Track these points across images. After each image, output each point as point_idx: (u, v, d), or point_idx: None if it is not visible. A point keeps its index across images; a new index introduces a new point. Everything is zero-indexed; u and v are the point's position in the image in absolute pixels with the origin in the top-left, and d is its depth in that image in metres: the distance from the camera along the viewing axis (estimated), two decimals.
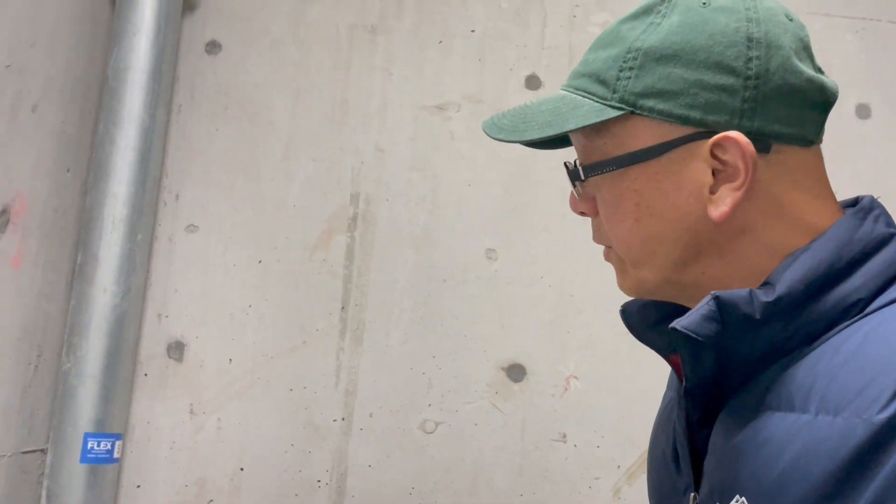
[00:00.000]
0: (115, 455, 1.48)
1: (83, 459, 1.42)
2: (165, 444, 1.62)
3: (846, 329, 0.47)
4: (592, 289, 1.68)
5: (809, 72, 0.51)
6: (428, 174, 1.72)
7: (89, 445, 1.43)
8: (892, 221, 0.53)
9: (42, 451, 1.53)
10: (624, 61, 0.52)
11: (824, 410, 0.44)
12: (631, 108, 0.51)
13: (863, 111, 1.77)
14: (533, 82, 1.76)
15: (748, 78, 0.49)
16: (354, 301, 1.69)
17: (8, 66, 1.33)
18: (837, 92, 0.53)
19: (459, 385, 1.65)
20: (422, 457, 1.63)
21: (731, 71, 0.49)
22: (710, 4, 0.51)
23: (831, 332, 0.48)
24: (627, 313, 0.60)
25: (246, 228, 1.71)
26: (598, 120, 0.52)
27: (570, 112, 0.53)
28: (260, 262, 1.69)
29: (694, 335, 0.47)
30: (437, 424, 1.64)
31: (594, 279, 1.67)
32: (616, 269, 0.58)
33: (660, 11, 0.53)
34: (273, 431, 1.63)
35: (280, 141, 1.73)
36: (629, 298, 0.60)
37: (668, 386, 0.67)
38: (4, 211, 1.34)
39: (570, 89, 0.56)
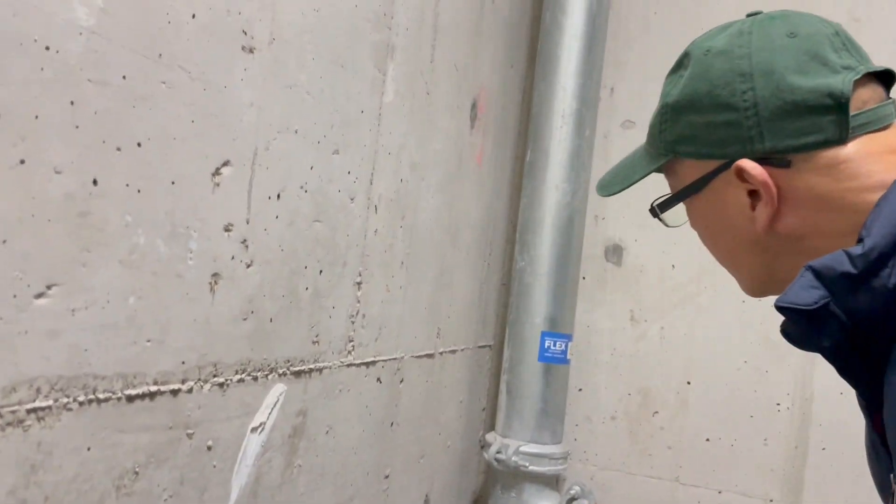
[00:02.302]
0: (568, 356, 1.45)
1: (541, 358, 1.41)
2: (606, 350, 1.57)
3: None
4: None
5: (812, 82, 0.55)
6: None
7: (546, 344, 1.41)
8: None
9: (489, 346, 1.57)
10: (661, 116, 0.61)
11: None
12: (673, 154, 0.61)
13: None
14: None
15: (746, 109, 0.56)
16: None
17: None
18: (849, 90, 0.54)
19: None
20: None
21: (730, 107, 0.57)
22: (710, 52, 0.59)
23: None
24: (786, 334, 0.59)
25: None
26: (651, 168, 0.63)
27: (638, 163, 0.64)
28: None
29: (797, 306, 0.50)
30: None
31: None
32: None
33: (684, 64, 0.61)
34: (723, 345, 1.48)
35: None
36: None
37: None
38: (474, 105, 1.33)
39: (644, 143, 0.67)
